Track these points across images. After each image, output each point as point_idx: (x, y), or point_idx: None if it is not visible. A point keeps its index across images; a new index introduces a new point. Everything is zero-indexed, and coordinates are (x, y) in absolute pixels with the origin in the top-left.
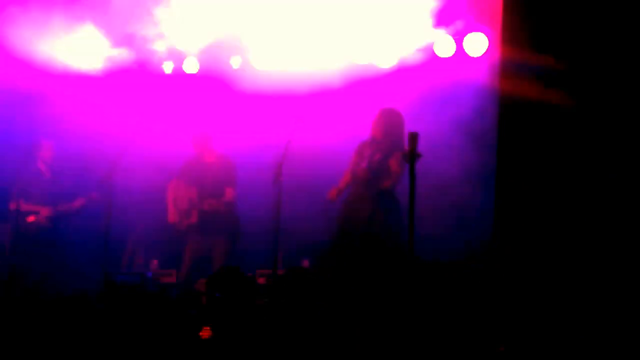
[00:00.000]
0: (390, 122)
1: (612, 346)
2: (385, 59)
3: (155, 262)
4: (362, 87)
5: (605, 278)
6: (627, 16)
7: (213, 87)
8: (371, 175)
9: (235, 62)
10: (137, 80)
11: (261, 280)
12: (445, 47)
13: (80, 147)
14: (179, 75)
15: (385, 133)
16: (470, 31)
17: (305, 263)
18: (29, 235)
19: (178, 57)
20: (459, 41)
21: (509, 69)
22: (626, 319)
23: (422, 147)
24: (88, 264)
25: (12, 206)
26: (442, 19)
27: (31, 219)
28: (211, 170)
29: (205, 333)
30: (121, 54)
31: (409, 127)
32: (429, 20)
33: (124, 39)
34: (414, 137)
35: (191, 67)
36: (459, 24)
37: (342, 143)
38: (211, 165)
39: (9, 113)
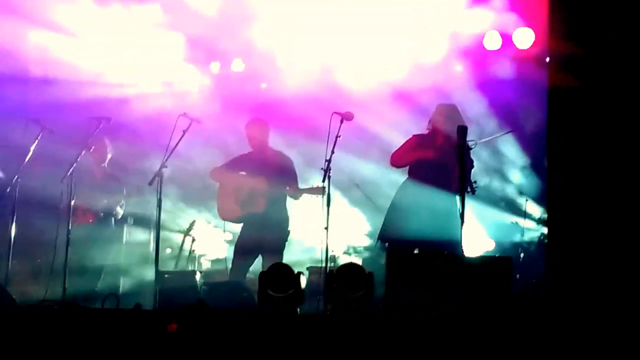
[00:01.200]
0: (453, 116)
1: None
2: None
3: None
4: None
5: None
6: None
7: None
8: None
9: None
10: None
11: (314, 277)
12: (493, 40)
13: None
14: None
15: (446, 127)
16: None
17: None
18: (82, 234)
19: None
20: (505, 35)
21: (557, 61)
22: None
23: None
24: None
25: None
26: None
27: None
28: (270, 165)
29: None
30: None
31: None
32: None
33: None
34: (463, 130)
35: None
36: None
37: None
38: (269, 159)
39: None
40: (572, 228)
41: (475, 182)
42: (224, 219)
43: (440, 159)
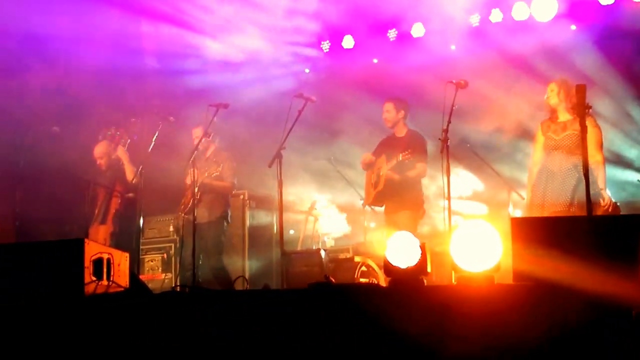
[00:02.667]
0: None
1: None
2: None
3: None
4: None
5: None
6: None
7: None
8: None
9: None
10: None
11: None
12: None
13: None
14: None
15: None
16: None
17: None
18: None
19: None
20: None
21: None
22: None
23: None
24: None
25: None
26: None
27: None
28: (403, 146)
29: None
30: None
31: None
32: None
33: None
34: (582, 89)
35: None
36: None
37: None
38: (403, 140)
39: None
40: None
41: None
42: (366, 204)
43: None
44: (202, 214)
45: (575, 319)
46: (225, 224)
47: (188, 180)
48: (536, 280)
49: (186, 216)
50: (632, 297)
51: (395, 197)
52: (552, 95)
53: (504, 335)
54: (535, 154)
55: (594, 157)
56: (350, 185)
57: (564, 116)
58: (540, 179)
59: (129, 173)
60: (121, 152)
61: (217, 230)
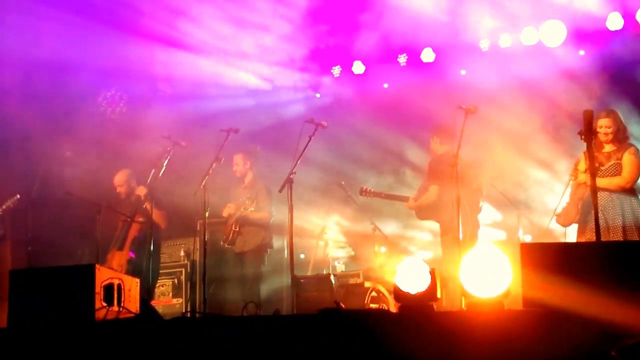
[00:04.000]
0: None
1: None
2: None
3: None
4: None
5: None
6: None
7: None
8: None
9: None
10: None
11: None
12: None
13: None
14: None
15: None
16: None
17: None
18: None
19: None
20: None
21: None
22: None
23: None
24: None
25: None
26: None
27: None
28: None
29: None
30: None
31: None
32: None
33: None
34: (589, 115)
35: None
36: None
37: None
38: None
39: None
40: None
41: None
42: None
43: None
44: (240, 244)
45: (585, 346)
46: (265, 253)
47: (225, 213)
48: (546, 306)
49: (228, 246)
50: None
51: None
52: (608, 132)
53: None
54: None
55: (624, 179)
56: (361, 209)
57: (609, 147)
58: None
59: (157, 216)
60: (141, 191)
61: (258, 260)
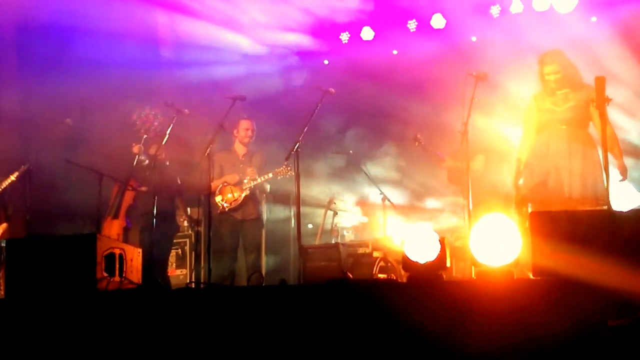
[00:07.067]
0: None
1: None
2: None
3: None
4: None
5: None
6: None
7: None
8: None
9: None
10: None
11: None
12: None
13: None
14: None
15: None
16: None
17: None
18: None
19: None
20: None
21: None
22: None
23: None
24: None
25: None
26: None
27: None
28: None
29: None
30: None
31: None
32: None
33: None
34: (601, 81)
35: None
36: None
37: None
38: None
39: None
40: None
41: None
42: None
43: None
44: (243, 212)
45: (594, 316)
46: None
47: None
48: (556, 275)
49: (232, 214)
50: None
51: None
52: (554, 76)
53: (523, 330)
54: (528, 136)
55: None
56: (370, 178)
57: (565, 89)
58: (545, 161)
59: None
60: (136, 149)
61: (259, 229)
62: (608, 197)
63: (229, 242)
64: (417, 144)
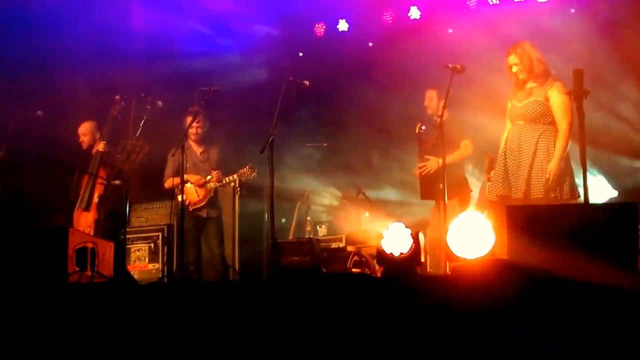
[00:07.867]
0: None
1: None
2: None
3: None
4: None
5: None
6: None
7: None
8: None
9: None
10: None
11: None
12: None
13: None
14: None
15: None
16: None
17: None
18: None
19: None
20: None
21: None
22: None
23: None
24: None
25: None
26: None
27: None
28: None
29: None
30: None
31: None
32: None
33: None
34: (579, 74)
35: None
36: None
37: None
38: None
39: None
40: None
41: None
42: None
43: None
44: (209, 210)
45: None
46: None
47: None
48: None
49: (196, 212)
50: (628, 285)
51: None
52: (515, 67)
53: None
54: (505, 131)
55: (560, 125)
56: (344, 172)
57: (530, 83)
58: (500, 158)
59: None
60: (100, 146)
61: (221, 225)
62: (586, 191)
63: (192, 235)
64: (418, 131)
